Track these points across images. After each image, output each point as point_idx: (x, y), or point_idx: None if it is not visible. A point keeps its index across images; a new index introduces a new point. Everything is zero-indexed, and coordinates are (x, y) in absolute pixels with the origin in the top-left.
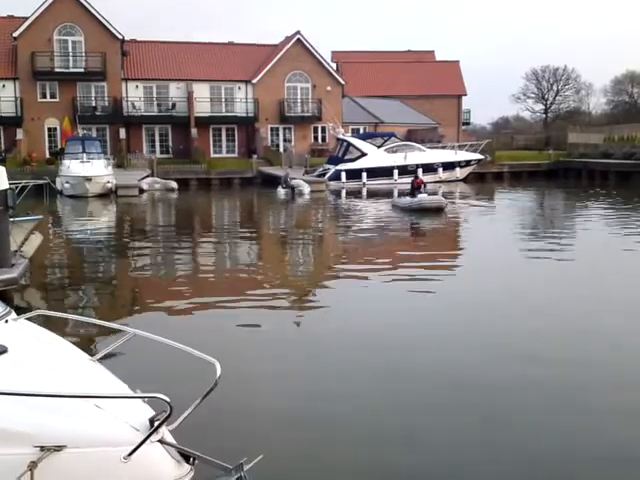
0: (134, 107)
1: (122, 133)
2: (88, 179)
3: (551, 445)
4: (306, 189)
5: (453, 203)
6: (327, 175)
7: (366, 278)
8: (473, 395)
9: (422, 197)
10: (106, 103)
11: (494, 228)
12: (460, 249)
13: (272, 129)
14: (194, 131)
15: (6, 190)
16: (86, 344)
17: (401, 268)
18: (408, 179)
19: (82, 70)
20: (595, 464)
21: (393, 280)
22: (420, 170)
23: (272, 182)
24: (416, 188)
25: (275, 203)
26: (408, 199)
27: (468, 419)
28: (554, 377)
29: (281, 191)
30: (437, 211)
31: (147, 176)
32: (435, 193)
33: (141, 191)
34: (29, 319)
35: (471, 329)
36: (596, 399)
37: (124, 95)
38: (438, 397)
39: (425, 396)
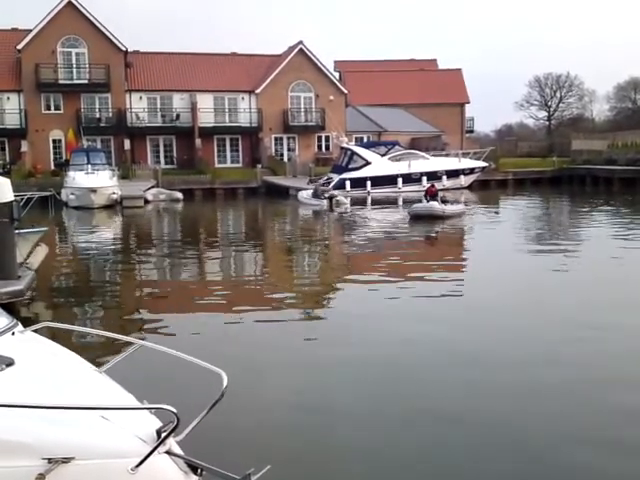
0: (138, 118)
1: (126, 144)
2: (93, 190)
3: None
4: (346, 199)
5: (469, 209)
6: (331, 184)
7: (377, 287)
8: (482, 402)
9: (417, 205)
10: (110, 114)
11: (498, 236)
12: (456, 258)
13: (276, 139)
14: (198, 141)
15: (11, 202)
16: (93, 356)
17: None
18: (412, 187)
19: (86, 82)
20: None
21: (402, 287)
22: (425, 178)
23: (277, 192)
24: (431, 196)
25: (315, 215)
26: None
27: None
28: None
29: (323, 202)
30: (432, 219)
31: (152, 187)
32: (446, 201)
33: (146, 202)
34: (36, 331)
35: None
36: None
37: (128, 106)
38: (448, 413)
39: (434, 410)
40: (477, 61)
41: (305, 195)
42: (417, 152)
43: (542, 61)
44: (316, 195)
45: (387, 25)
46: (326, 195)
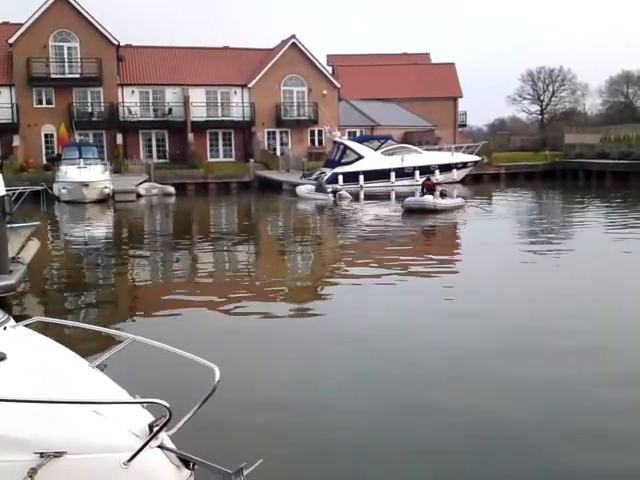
0: (130, 112)
1: (119, 138)
2: (85, 185)
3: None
4: (347, 194)
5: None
6: (324, 178)
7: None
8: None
9: (410, 199)
10: (102, 109)
11: (489, 230)
12: (449, 253)
13: (269, 133)
14: (191, 136)
15: (3, 196)
16: (85, 350)
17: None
18: (405, 181)
19: (78, 76)
20: None
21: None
22: (418, 172)
23: (270, 186)
24: (427, 190)
25: (320, 209)
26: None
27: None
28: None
29: (329, 197)
30: (424, 212)
31: (144, 181)
32: (445, 195)
33: (138, 196)
34: (27, 326)
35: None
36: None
37: (120, 100)
38: (441, 406)
39: (432, 406)
40: (473, 58)
41: (305, 189)
42: (410, 146)
43: (538, 57)
44: (319, 189)
45: (387, 24)
46: (330, 189)
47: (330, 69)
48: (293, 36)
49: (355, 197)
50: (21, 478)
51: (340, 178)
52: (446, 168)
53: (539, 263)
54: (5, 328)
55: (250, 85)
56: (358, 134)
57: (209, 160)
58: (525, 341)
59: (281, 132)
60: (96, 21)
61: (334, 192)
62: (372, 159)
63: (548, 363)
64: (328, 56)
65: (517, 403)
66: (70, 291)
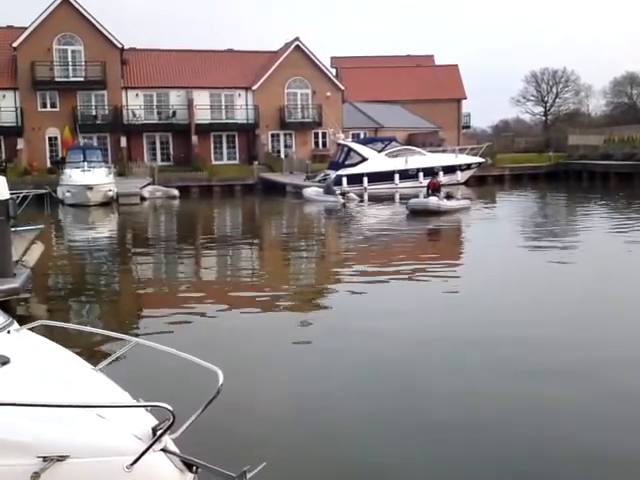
0: (134, 115)
1: (123, 141)
2: (89, 188)
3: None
4: (355, 196)
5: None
6: (328, 181)
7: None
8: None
9: (414, 200)
10: (106, 112)
11: (493, 232)
12: (454, 254)
13: (273, 135)
14: (195, 138)
15: (7, 200)
16: (88, 354)
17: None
18: (409, 183)
19: (82, 79)
20: None
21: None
22: (422, 174)
23: (274, 188)
24: (433, 190)
25: (330, 212)
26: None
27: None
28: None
29: (339, 198)
30: (428, 214)
31: (148, 184)
32: (451, 196)
33: (142, 199)
34: (31, 329)
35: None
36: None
37: (124, 103)
38: (441, 408)
39: (433, 408)
40: (474, 58)
41: (313, 192)
42: (414, 148)
43: (538, 57)
44: (328, 192)
45: (387, 25)
46: (339, 191)
47: (334, 71)
48: (297, 38)
49: (359, 199)
50: None
51: (344, 180)
52: (450, 170)
53: (543, 264)
54: (9, 332)
55: (254, 88)
56: (362, 136)
57: (213, 163)
58: (529, 343)
59: (285, 134)
60: (100, 24)
61: (343, 194)
62: (376, 161)
63: (549, 364)
64: (332, 58)
65: (518, 404)
66: (74, 294)
